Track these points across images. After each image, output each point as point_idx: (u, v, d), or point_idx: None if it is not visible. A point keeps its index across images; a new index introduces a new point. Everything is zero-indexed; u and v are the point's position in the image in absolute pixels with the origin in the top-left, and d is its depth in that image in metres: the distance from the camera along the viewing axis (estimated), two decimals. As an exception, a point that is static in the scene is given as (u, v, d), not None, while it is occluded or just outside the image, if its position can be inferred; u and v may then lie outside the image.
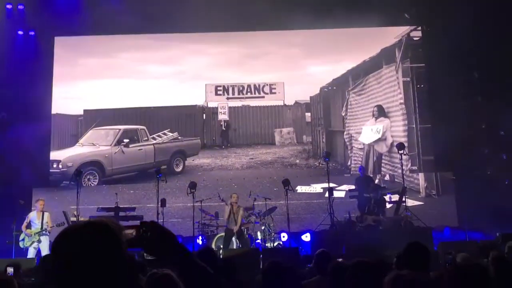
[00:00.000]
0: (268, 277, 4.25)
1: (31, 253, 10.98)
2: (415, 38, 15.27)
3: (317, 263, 5.24)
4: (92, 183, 14.37)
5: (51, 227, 11.20)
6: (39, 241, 11.13)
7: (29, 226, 11.24)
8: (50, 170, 14.19)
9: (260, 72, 15.74)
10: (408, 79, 14.98)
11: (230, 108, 15.82)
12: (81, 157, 14.47)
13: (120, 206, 12.36)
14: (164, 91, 15.47)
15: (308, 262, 7.36)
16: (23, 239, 11.13)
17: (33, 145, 12.98)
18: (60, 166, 14.15)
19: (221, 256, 9.19)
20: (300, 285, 4.77)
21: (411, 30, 15.21)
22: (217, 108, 15.82)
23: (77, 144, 15.00)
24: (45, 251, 10.85)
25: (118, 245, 1.59)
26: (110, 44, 15.65)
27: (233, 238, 11.52)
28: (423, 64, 14.94)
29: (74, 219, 11.14)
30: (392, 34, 15.26)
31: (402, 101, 14.81)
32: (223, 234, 11.86)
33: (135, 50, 15.66)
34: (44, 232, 11.20)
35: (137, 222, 1.74)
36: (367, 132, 15.15)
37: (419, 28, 15.19)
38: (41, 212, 11.35)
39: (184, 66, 15.77)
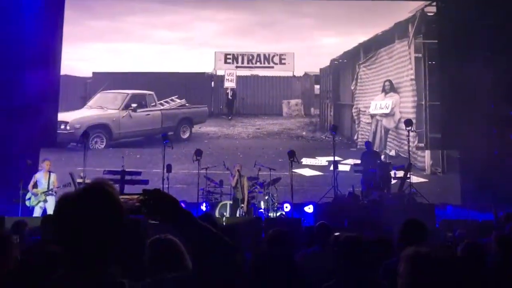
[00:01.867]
0: (273, 244, 4.28)
1: (37, 212, 11.10)
2: (429, 14, 14.99)
3: (316, 235, 5.28)
4: (99, 146, 14.44)
5: (57, 188, 11.30)
6: (45, 201, 11.24)
7: (35, 186, 11.33)
8: (58, 131, 14.24)
9: (270, 41, 15.57)
10: (420, 55, 14.77)
11: (238, 77, 15.73)
12: (89, 119, 14.50)
13: (126, 170, 12.43)
14: (173, 57, 15.38)
15: (310, 233, 7.41)
16: (29, 198, 11.24)
17: (41, 105, 13.00)
18: (68, 128, 14.19)
19: (224, 224, 9.27)
20: (299, 255, 4.80)
21: (426, 5, 14.93)
22: (224, 76, 15.74)
23: (85, 106, 15.01)
24: (50, 210, 10.96)
25: (116, 207, 1.65)
26: (120, 7, 15.48)
27: (239, 207, 11.61)
28: (436, 41, 14.71)
29: (80, 180, 11.22)
30: (406, 9, 15.00)
31: (413, 77, 14.64)
32: (226, 202, 11.96)
33: (144, 14, 15.49)
34: (50, 192, 11.29)
35: (141, 189, 1.77)
36: (375, 107, 15.07)
37: (434, 3, 14.90)
38: (48, 173, 11.43)
39: (193, 33, 15.61)
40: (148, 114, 15.00)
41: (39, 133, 12.99)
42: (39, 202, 11.22)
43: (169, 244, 2.86)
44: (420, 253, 2.39)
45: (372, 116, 15.14)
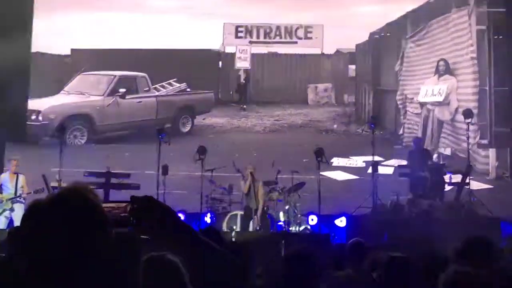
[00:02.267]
0: (291, 267, 4.26)
1: (2, 223, 11.22)
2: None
3: (348, 255, 5.27)
4: (79, 141, 14.56)
5: (27, 193, 11.38)
6: (11, 209, 11.33)
7: None
8: (28, 123, 14.35)
9: (293, 10, 15.56)
10: (484, 27, 14.62)
11: (253, 55, 15.74)
12: (66, 108, 14.63)
13: (112, 171, 12.50)
14: (170, 30, 15.44)
15: (341, 253, 7.42)
16: (-9, 206, 11.39)
17: (7, 90, 13.11)
18: (40, 118, 14.31)
19: (233, 239, 9.31)
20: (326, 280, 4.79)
21: (492, -36, 14.81)
22: (235, 53, 15.77)
23: (61, 91, 15.13)
24: (18, 221, 11.07)
25: (98, 217, 1.66)
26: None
27: (252, 220, 11.61)
28: (504, 9, 14.56)
29: (55, 184, 11.32)
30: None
31: (474, 55, 14.51)
32: (236, 212, 11.98)
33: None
34: (18, 198, 11.38)
35: (130, 196, 1.78)
36: (426, 93, 14.99)
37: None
38: (15, 174, 11.53)
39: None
40: (140, 102, 15.09)
41: (4, 125, 13.11)
42: (4, 210, 11.33)
43: (166, 265, 2.89)
44: (461, 275, 2.36)
45: (422, 105, 15.07)
